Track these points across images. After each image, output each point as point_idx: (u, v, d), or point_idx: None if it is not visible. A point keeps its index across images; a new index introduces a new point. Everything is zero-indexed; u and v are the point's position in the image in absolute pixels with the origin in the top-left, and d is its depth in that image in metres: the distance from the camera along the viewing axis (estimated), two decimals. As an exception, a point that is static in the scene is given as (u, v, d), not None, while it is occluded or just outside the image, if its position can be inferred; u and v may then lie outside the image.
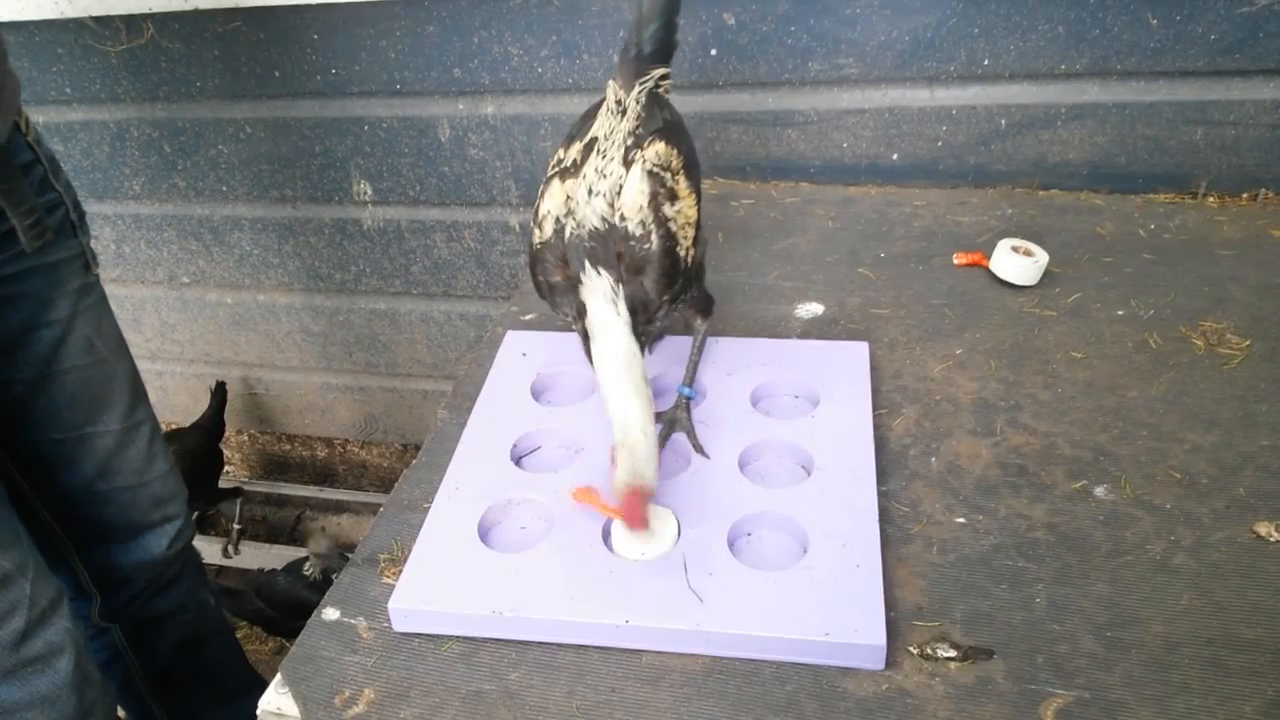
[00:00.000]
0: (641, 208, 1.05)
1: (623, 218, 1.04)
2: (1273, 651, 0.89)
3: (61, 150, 2.14)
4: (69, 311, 1.36)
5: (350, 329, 2.33)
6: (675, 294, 1.07)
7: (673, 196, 1.07)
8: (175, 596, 1.63)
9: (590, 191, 1.05)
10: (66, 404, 1.40)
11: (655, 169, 1.06)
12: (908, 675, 0.90)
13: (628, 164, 1.06)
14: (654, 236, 1.04)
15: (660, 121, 1.11)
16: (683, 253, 1.07)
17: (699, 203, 1.11)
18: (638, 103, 1.12)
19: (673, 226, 1.06)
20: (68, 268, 1.36)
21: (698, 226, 1.11)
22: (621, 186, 1.05)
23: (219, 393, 2.45)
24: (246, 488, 2.71)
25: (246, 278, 2.29)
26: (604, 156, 1.07)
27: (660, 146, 1.08)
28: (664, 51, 1.17)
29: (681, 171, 1.09)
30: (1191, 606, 0.94)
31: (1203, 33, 1.49)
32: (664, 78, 1.17)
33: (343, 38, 1.83)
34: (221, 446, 2.52)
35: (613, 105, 1.12)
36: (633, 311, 1.04)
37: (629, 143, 1.08)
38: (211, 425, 2.42)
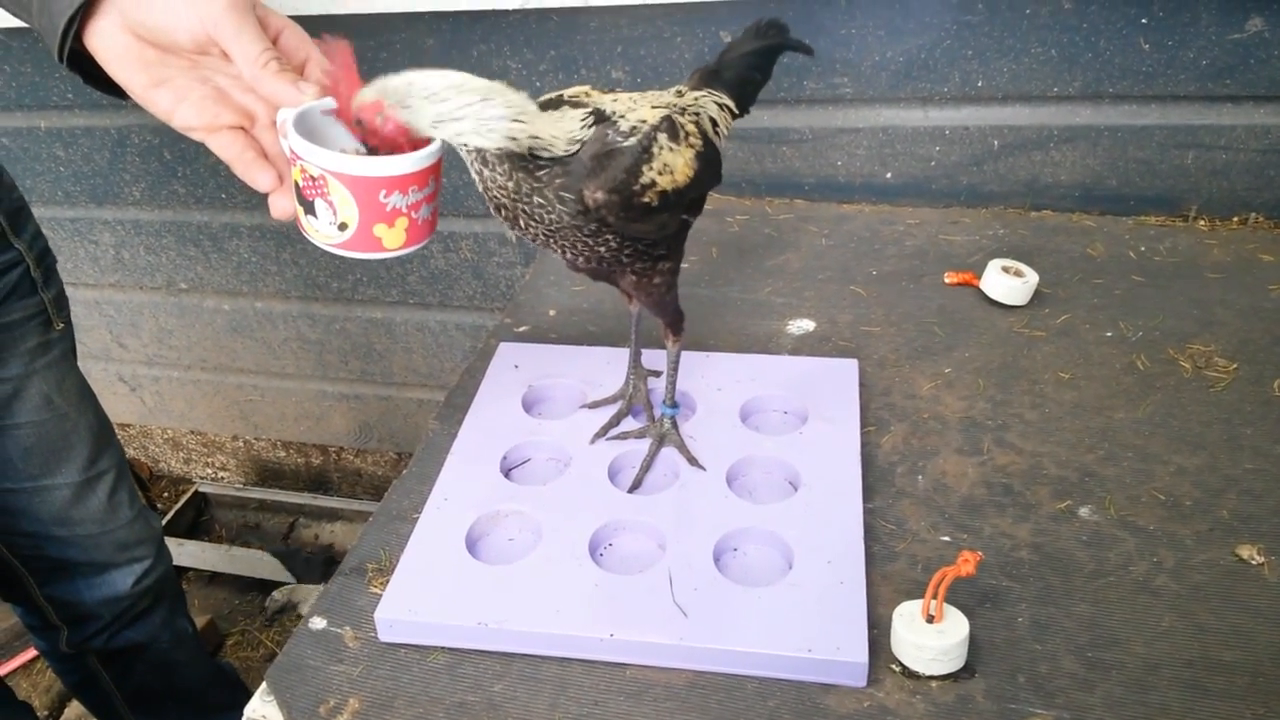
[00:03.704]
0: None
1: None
2: (1251, 674, 0.89)
3: (63, 156, 2.16)
4: (21, 370, 1.35)
5: (346, 337, 2.34)
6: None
7: (674, 136, 0.98)
8: (147, 628, 1.62)
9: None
10: (20, 456, 1.39)
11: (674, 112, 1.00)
12: (889, 693, 0.90)
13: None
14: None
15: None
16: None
17: (692, 179, 1.00)
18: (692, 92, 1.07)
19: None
20: (22, 327, 1.34)
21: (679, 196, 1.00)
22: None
23: None
24: (241, 494, 2.72)
25: (244, 285, 2.31)
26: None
27: (701, 93, 1.05)
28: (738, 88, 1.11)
29: (699, 142, 1.01)
30: (1172, 628, 0.94)
31: (1194, 58, 1.50)
32: (730, 111, 1.10)
33: (343, 49, 1.84)
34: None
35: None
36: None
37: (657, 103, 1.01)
38: None
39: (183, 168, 2.12)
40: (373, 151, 0.91)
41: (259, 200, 2.14)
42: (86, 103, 2.07)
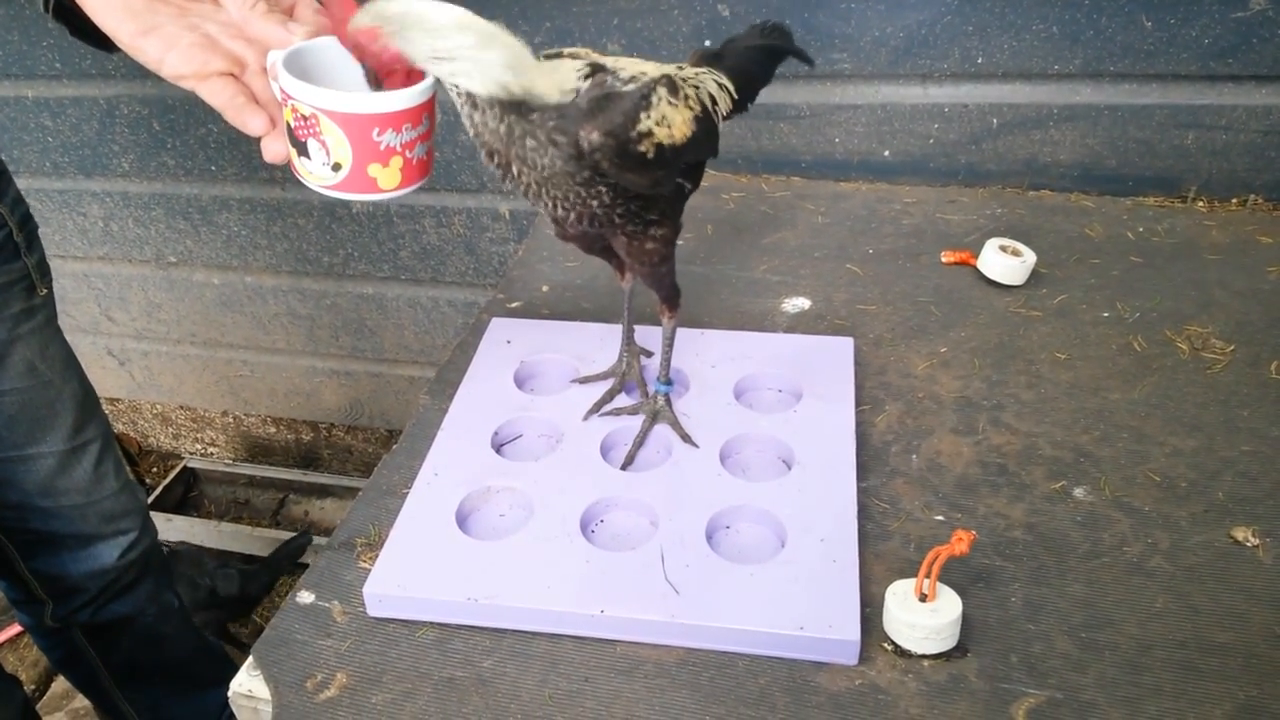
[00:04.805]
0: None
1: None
2: (1244, 656, 0.89)
3: (50, 126, 2.13)
4: (5, 336, 1.33)
5: (337, 313, 2.32)
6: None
7: (674, 92, 0.96)
8: (133, 601, 1.60)
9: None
10: (4, 425, 1.37)
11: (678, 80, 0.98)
12: (881, 671, 0.90)
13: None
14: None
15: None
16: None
17: (689, 138, 0.98)
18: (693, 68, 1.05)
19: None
20: (6, 293, 1.33)
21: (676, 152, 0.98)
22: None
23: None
24: (230, 469, 2.71)
25: (234, 259, 2.28)
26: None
27: (701, 70, 1.03)
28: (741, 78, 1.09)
29: (698, 107, 0.99)
30: (1166, 609, 0.94)
31: (1196, 36, 1.49)
32: (729, 94, 1.08)
33: (335, 19, 1.82)
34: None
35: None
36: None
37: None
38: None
39: (172, 139, 2.10)
40: (377, 85, 0.89)
41: (249, 173, 2.13)
42: (74, 72, 2.04)
